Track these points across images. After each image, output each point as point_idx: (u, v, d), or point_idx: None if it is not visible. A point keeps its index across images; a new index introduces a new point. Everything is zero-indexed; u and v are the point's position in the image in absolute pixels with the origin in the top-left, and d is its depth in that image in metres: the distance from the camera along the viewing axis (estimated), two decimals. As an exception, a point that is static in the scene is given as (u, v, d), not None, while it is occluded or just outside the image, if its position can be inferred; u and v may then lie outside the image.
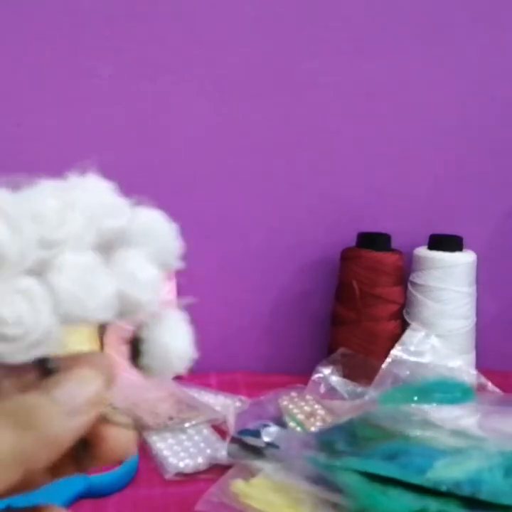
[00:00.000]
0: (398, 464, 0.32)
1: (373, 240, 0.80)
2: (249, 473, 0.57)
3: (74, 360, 0.30)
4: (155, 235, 0.33)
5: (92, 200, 0.32)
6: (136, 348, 0.33)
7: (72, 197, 0.31)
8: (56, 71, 0.77)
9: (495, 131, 0.86)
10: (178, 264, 0.33)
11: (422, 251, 0.80)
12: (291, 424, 0.66)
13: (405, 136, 0.84)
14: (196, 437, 0.65)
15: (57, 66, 0.77)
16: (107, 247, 0.33)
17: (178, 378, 0.74)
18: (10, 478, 0.25)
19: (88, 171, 0.33)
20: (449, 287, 0.78)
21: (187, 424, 0.66)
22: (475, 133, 0.85)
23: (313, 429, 0.66)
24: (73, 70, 0.77)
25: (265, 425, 0.60)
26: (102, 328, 0.33)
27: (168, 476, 0.60)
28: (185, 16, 0.78)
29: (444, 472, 0.30)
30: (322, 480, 0.36)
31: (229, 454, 0.60)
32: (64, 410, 0.27)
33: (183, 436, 0.65)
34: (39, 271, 0.30)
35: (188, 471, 0.60)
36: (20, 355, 0.28)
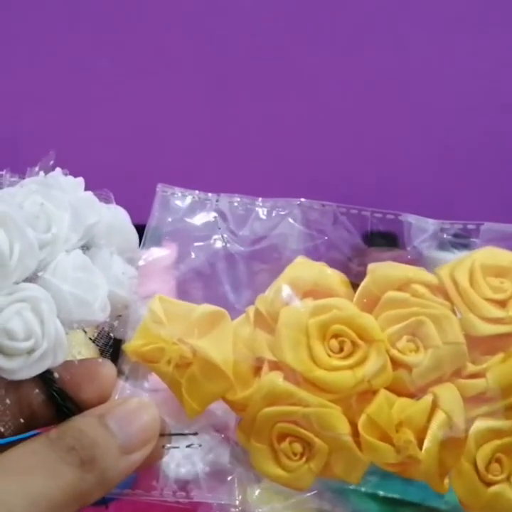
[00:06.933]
0: (416, 483, 0.30)
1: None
2: (253, 480, 0.55)
3: (81, 368, 0.29)
4: (120, 232, 0.32)
5: (72, 197, 0.30)
6: (118, 349, 0.32)
7: (54, 195, 0.29)
8: (55, 66, 0.76)
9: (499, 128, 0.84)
10: (141, 260, 0.33)
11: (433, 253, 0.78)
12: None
13: (404, 134, 0.83)
14: (198, 442, 0.63)
15: (55, 61, 0.76)
16: (85, 245, 0.31)
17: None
18: None
19: (51, 166, 0.31)
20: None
21: (188, 430, 0.65)
22: (479, 133, 0.84)
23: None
24: (72, 64, 0.76)
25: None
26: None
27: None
28: (185, 11, 0.77)
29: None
30: (330, 495, 0.34)
31: (232, 459, 0.59)
32: (120, 446, 0.27)
33: (184, 442, 0.64)
34: (34, 276, 0.28)
35: (189, 477, 0.59)
36: (32, 369, 0.26)
